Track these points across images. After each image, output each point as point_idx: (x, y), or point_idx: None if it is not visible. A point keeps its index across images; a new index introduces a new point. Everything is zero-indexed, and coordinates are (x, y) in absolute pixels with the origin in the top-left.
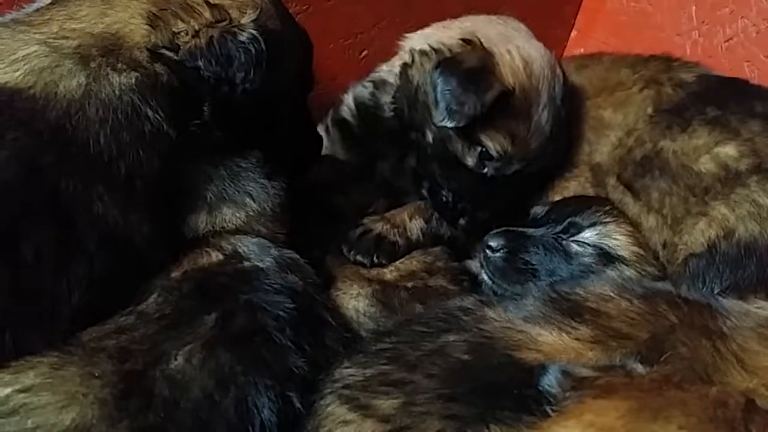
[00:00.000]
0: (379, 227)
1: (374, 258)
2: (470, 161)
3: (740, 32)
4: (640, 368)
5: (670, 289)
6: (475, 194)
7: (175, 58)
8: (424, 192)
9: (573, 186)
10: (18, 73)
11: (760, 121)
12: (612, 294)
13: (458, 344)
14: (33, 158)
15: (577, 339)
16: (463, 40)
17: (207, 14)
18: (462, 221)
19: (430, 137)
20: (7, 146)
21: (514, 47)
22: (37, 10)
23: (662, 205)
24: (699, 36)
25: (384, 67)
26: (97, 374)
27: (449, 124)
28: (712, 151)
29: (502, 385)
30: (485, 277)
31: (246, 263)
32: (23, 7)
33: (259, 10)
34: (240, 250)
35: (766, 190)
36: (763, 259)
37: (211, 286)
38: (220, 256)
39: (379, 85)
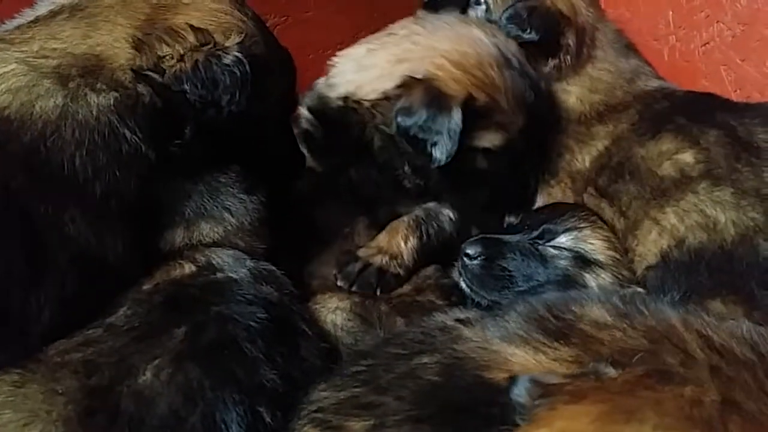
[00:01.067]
0: (379, 260)
1: (377, 292)
2: (484, 164)
3: (716, 36)
4: (611, 371)
5: (680, 320)
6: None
7: (160, 80)
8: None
9: (556, 191)
10: None
11: (716, 131)
12: (609, 321)
13: (430, 366)
14: (5, 180)
15: (554, 360)
16: (399, 86)
17: (191, 38)
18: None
19: (436, 172)
20: None
21: (440, 59)
22: (19, 27)
23: (629, 208)
24: (676, 41)
25: (323, 85)
26: (60, 391)
27: (444, 159)
28: (673, 158)
29: (471, 405)
30: (463, 285)
31: (219, 274)
32: (4, 23)
33: (243, 34)
34: (214, 262)
35: (713, 199)
36: (713, 265)
37: (182, 298)
38: (193, 268)
39: (325, 105)
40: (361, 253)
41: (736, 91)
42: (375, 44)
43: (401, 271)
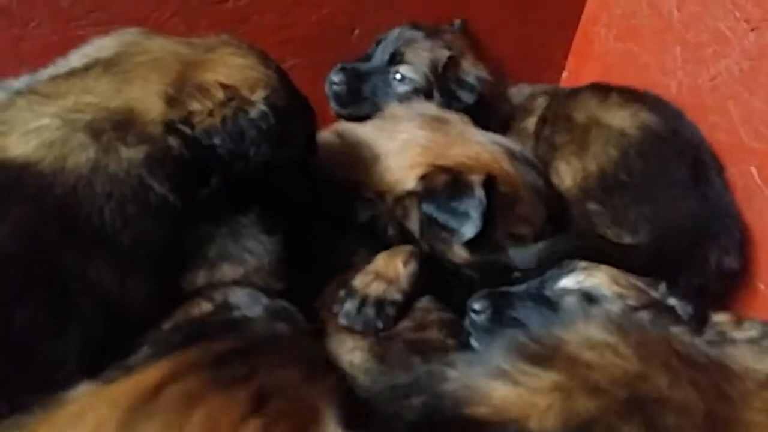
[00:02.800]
0: (374, 289)
1: (378, 327)
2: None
3: (723, 71)
4: None
5: (676, 346)
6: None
7: (190, 133)
8: None
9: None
10: (29, 146)
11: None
12: (598, 340)
13: (413, 407)
14: (35, 232)
15: (535, 390)
16: (421, 177)
17: (220, 94)
18: None
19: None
20: (11, 221)
21: (455, 159)
22: (54, 79)
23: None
24: (684, 75)
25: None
26: None
27: (470, 235)
28: (586, 105)
29: None
30: (474, 343)
31: (235, 312)
32: (36, 70)
33: (268, 87)
34: (230, 301)
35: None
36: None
37: (199, 336)
38: (210, 307)
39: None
40: (357, 282)
41: (743, 125)
42: (378, 149)
43: (399, 297)
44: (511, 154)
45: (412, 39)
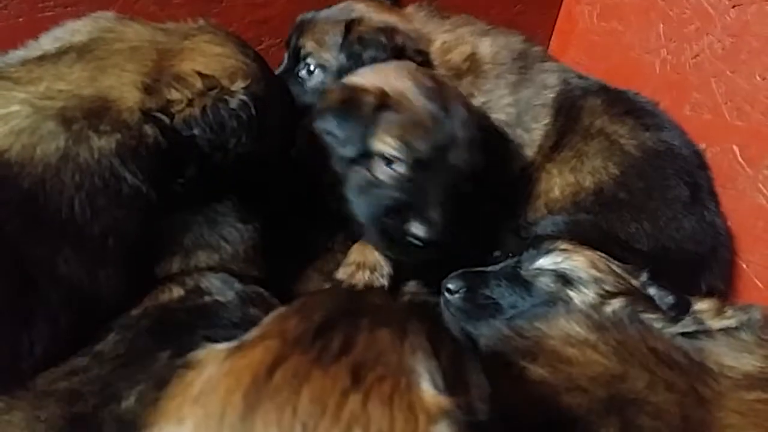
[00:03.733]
0: (360, 278)
1: None
2: (381, 175)
3: (706, 48)
4: None
5: (654, 344)
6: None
7: (169, 123)
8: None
9: None
10: None
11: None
12: (579, 338)
13: None
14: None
15: (528, 382)
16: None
17: (199, 84)
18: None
19: (344, 175)
20: None
21: (367, 76)
22: (25, 63)
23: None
24: (667, 53)
25: None
26: (43, 418)
27: (351, 154)
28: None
29: None
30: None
31: (207, 298)
32: (6, 52)
33: (248, 77)
34: (202, 286)
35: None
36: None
37: (169, 322)
38: (182, 292)
39: None
40: (341, 274)
41: (726, 102)
42: None
43: (385, 282)
44: (421, 87)
45: (308, 26)
